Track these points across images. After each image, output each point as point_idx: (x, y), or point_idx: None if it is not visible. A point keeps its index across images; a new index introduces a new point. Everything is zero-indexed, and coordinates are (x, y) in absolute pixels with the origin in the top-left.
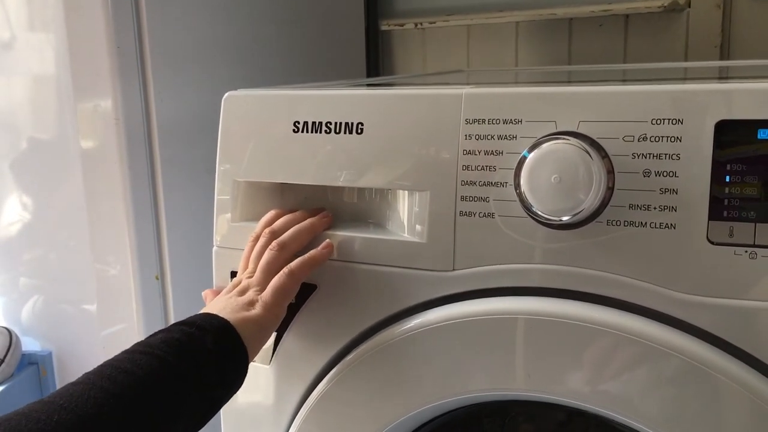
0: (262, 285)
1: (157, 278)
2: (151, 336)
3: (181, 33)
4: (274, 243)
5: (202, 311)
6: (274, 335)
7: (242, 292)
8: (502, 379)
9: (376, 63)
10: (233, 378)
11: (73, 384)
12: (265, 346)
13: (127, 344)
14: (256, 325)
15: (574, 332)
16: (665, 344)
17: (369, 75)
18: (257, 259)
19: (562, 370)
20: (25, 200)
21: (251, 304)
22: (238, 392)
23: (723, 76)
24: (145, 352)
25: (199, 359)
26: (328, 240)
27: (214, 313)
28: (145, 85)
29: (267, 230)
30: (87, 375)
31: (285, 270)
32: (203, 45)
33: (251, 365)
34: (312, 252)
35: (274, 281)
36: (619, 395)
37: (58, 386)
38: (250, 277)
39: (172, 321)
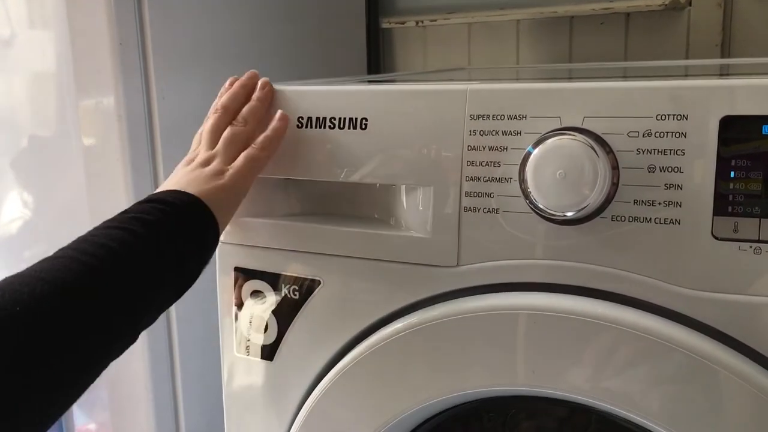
0: (229, 156)
1: None
2: (119, 214)
3: (183, 30)
4: (238, 117)
5: (165, 187)
6: (277, 331)
7: (206, 163)
8: (507, 375)
9: (377, 61)
10: (205, 251)
11: (50, 258)
12: (268, 342)
13: None
14: (227, 193)
15: (578, 328)
16: (669, 339)
17: (370, 73)
18: (214, 133)
19: (566, 365)
20: (27, 197)
21: (221, 173)
22: (241, 388)
23: (725, 73)
24: (120, 227)
25: (171, 235)
26: (280, 111)
27: (181, 188)
28: (148, 81)
29: (219, 106)
30: (63, 250)
31: (258, 144)
32: (205, 42)
33: (254, 362)
34: (273, 125)
35: (248, 152)
36: (622, 391)
37: None
38: (209, 149)
39: (174, 318)
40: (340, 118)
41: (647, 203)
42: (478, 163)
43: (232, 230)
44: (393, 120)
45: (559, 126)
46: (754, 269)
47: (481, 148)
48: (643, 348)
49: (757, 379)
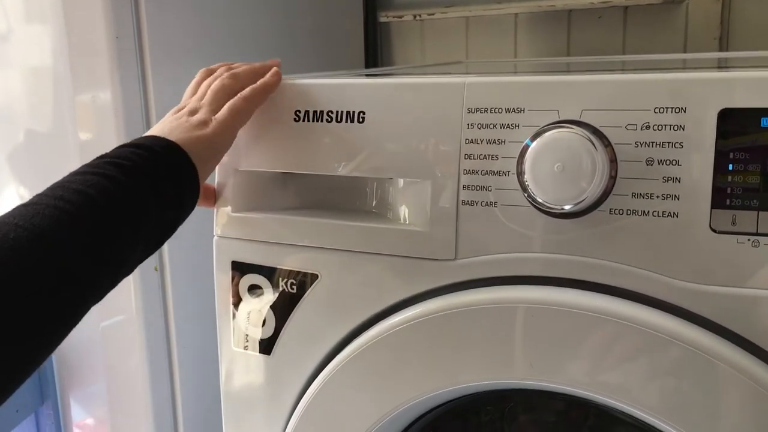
0: (214, 107)
1: (156, 269)
2: (96, 158)
3: (180, 23)
4: (227, 73)
5: (148, 133)
6: (275, 325)
7: (192, 113)
8: (505, 368)
9: (375, 55)
10: (184, 199)
11: (24, 205)
12: (266, 337)
13: (127, 336)
14: (209, 144)
15: (576, 321)
16: (667, 332)
17: (368, 67)
18: (209, 86)
19: (564, 359)
20: (23, 193)
21: (204, 123)
22: (239, 383)
23: (723, 66)
24: (95, 173)
25: (149, 180)
26: (274, 68)
27: (162, 135)
28: (144, 76)
29: (224, 66)
30: (37, 196)
31: (240, 94)
32: (202, 36)
33: (252, 356)
34: (264, 79)
35: (230, 103)
36: (620, 384)
37: (58, 380)
38: (200, 100)
39: (171, 312)
40: (337, 112)
41: (645, 196)
42: (475, 157)
43: (230, 224)
44: (390, 113)
45: (557, 119)
46: (752, 262)
47: (479, 142)
48: (641, 341)
49: (755, 372)
